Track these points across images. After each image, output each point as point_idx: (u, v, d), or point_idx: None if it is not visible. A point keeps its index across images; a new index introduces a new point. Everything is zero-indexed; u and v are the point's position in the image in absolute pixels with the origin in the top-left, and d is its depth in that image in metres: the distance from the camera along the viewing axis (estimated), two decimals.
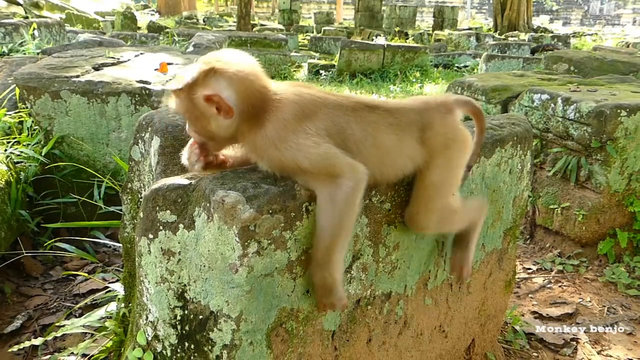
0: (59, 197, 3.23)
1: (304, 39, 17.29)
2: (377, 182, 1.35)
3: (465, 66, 11.44)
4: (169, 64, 3.55)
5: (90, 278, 2.62)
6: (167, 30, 13.88)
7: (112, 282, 2.70)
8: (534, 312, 2.75)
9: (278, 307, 1.29)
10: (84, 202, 3.12)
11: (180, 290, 1.28)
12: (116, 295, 2.33)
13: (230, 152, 1.38)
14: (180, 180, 1.27)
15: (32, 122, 3.34)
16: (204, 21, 22.56)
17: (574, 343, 2.48)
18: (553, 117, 3.35)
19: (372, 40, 13.00)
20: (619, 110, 3.01)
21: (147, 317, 1.36)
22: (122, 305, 2.02)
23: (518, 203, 2.06)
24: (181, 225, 1.24)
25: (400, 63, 9.85)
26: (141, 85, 3.13)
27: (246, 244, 1.16)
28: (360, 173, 1.21)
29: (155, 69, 3.46)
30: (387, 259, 1.55)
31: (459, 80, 4.48)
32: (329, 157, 1.18)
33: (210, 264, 1.21)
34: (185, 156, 1.35)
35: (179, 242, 1.25)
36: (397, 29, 21.43)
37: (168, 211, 1.26)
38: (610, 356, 2.41)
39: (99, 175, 3.10)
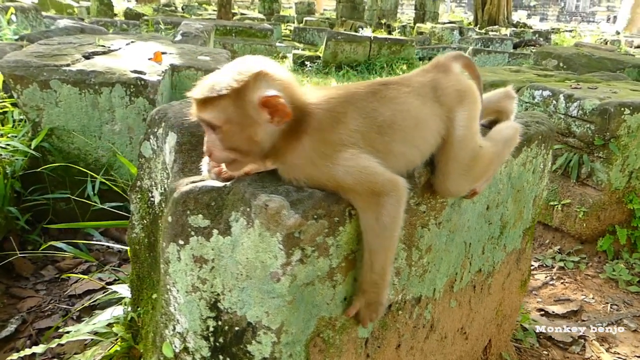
0: (48, 192, 3.09)
1: (286, 29, 17.10)
2: (416, 163, 1.33)
3: None
4: (162, 53, 3.42)
5: (86, 278, 2.50)
6: (146, 17, 13.55)
7: (112, 283, 2.60)
8: (540, 310, 2.73)
9: (317, 317, 1.22)
10: (76, 198, 2.99)
11: (213, 300, 1.19)
12: (119, 298, 2.23)
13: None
14: (214, 182, 1.19)
15: (19, 113, 3.18)
16: (182, 9, 22.10)
17: (582, 341, 2.47)
18: (555, 113, 3.34)
19: (359, 32, 12.92)
20: (622, 109, 3.01)
21: (174, 328, 1.27)
22: (129, 308, 1.92)
23: (537, 202, 2.03)
24: (215, 231, 1.15)
25: (386, 55, 9.80)
26: (136, 75, 3.00)
27: (290, 251, 1.09)
28: (401, 188, 1.17)
29: (150, 59, 3.32)
30: (420, 262, 1.49)
31: None
32: (369, 173, 1.13)
33: (249, 273, 1.13)
34: (206, 168, 1.28)
35: (212, 249, 1.16)
36: (383, 21, 21.35)
37: (200, 215, 1.17)
38: (618, 354, 2.41)
39: (90, 171, 2.96)
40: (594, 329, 2.57)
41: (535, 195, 1.98)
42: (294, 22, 21.01)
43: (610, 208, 3.21)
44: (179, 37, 5.10)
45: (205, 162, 1.29)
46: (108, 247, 3.03)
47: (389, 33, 18.02)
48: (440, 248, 1.55)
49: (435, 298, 1.63)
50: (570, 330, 2.54)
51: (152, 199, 1.74)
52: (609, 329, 2.58)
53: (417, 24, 21.12)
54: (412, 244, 1.43)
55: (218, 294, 1.19)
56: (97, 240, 3.03)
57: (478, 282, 1.83)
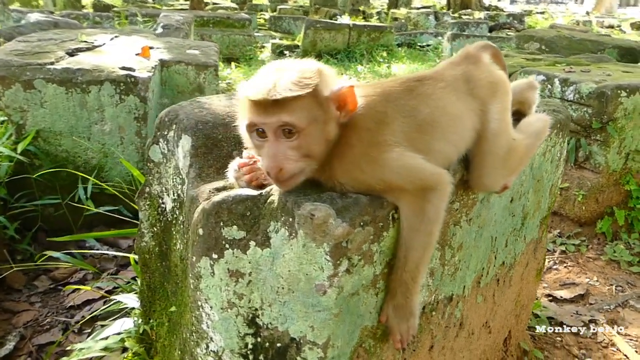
0: (36, 198, 2.95)
1: (260, 18, 16.83)
2: (452, 160, 1.29)
3: (428, 45, 11.42)
4: (150, 48, 3.29)
5: (85, 289, 2.39)
6: (116, 9, 13.16)
7: (111, 292, 2.49)
8: (548, 295, 2.73)
9: (361, 327, 1.16)
10: (67, 203, 2.86)
11: (251, 315, 1.12)
12: (122, 309, 2.14)
13: None
14: (248, 190, 1.11)
15: (1, 114, 3.02)
16: (153, 0, 21.55)
17: (593, 324, 2.47)
18: (550, 98, 3.32)
19: (336, 19, 12.79)
20: (619, 91, 3.01)
21: (207, 347, 1.20)
22: (140, 320, 1.84)
23: (553, 191, 2.00)
24: (252, 243, 1.08)
25: (365, 43, 9.71)
26: (125, 72, 2.87)
27: (338, 262, 1.02)
28: (446, 182, 1.14)
29: (137, 54, 3.19)
30: (452, 261, 1.44)
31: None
32: (416, 170, 1.10)
33: (291, 286, 1.06)
34: (232, 175, 1.20)
35: (249, 262, 1.09)
36: (362, 8, 21.22)
37: (235, 227, 1.09)
38: (630, 335, 2.42)
39: (80, 174, 2.83)
40: (601, 311, 2.58)
41: (552, 184, 1.95)
42: (267, 11, 20.71)
43: (608, 190, 3.22)
44: (160, 30, 4.94)
45: (232, 169, 1.21)
46: (103, 253, 2.92)
47: (365, 19, 17.93)
48: (470, 244, 1.51)
49: (464, 295, 1.59)
50: (579, 314, 2.54)
51: (162, 205, 1.66)
52: (617, 310, 2.60)
53: (392, 10, 21.04)
54: (445, 243, 1.38)
55: (256, 309, 1.12)
56: (90, 247, 2.91)
57: (501, 276, 1.80)
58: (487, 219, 1.55)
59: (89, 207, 2.77)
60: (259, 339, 1.13)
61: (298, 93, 0.99)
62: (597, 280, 2.87)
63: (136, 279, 2.45)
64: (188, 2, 18.18)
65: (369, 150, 1.07)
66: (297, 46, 10.38)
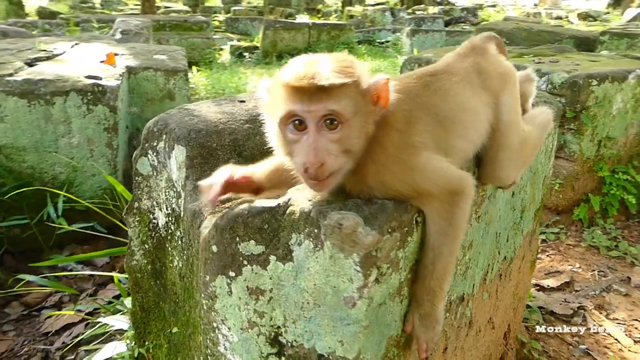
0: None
1: (214, 20, 16.57)
2: (469, 156, 1.28)
3: (387, 41, 11.51)
4: (114, 54, 3.14)
5: (65, 313, 2.25)
6: (62, 15, 12.69)
7: (92, 314, 2.36)
8: (535, 285, 2.76)
9: (387, 337, 1.11)
10: (37, 222, 2.70)
11: (273, 334, 1.05)
12: (107, 332, 2.02)
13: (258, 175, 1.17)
14: (265, 202, 1.04)
15: None
16: (101, 5, 20.91)
17: (582, 311, 2.51)
18: None
19: (295, 19, 12.72)
20: (590, 80, 3.07)
21: None
22: (134, 343, 1.73)
23: (545, 182, 2.01)
24: (273, 257, 1.01)
25: (326, 41, 9.69)
26: (92, 81, 2.73)
27: (368, 272, 0.97)
28: (471, 185, 1.10)
29: (102, 61, 3.04)
30: (463, 260, 1.41)
31: (414, 57, 4.41)
32: (443, 174, 1.06)
33: (317, 300, 1.00)
34: (215, 192, 1.09)
35: (270, 278, 1.02)
36: (320, 6, 21.19)
37: (252, 241, 1.02)
38: (617, 319, 2.47)
39: (47, 190, 2.67)
40: (587, 297, 2.63)
41: (545, 176, 1.96)
42: (221, 13, 20.44)
43: (582, 177, 3.29)
44: (119, 36, 4.75)
45: (218, 181, 1.11)
46: (82, 274, 2.76)
47: (321, 18, 17.95)
48: (479, 242, 1.48)
49: (473, 294, 1.56)
50: (567, 301, 2.58)
51: (154, 221, 1.56)
52: (603, 295, 2.64)
53: (347, 7, 21.14)
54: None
55: (279, 327, 1.05)
56: (63, 267, 2.76)
57: (503, 270, 1.79)
58: (492, 215, 1.53)
59: (61, 226, 2.62)
60: (283, 358, 1.06)
61: (345, 80, 0.93)
62: (579, 267, 2.92)
63: (120, 298, 2.34)
64: (139, 7, 17.75)
65: (400, 153, 1.02)
66: (256, 47, 10.27)
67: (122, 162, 3.00)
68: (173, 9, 17.91)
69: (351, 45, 9.94)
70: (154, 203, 1.54)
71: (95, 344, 2.12)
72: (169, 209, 1.48)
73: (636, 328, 2.39)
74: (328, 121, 0.94)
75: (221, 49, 10.53)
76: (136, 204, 1.59)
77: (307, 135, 0.94)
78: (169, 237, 1.50)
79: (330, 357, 1.02)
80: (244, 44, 10.87)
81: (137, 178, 1.56)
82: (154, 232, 1.57)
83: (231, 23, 14.41)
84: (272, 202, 1.03)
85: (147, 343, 1.68)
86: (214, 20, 16.45)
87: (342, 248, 0.95)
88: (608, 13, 18.92)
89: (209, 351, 1.14)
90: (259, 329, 1.06)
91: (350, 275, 0.97)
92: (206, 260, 1.07)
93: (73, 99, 2.68)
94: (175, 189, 1.43)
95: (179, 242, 1.43)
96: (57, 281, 2.62)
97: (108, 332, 2.08)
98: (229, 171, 1.13)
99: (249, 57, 9.72)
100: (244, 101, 1.65)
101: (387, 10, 15.79)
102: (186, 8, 18.77)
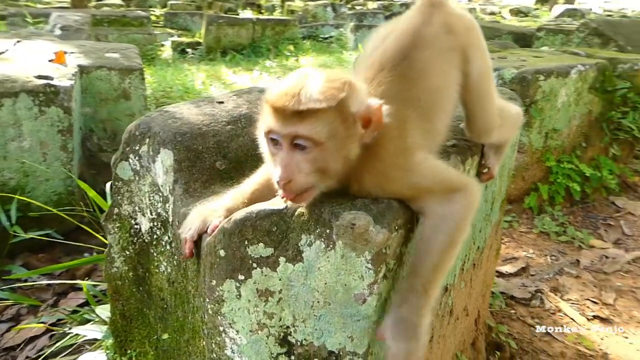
0: None
1: (151, 15, 16.04)
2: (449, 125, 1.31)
3: (331, 37, 11.58)
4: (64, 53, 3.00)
5: (34, 326, 2.14)
6: None
7: (55, 325, 2.26)
8: (495, 272, 2.90)
9: None
10: None
11: (282, 334, 1.07)
12: (74, 344, 1.95)
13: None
14: (272, 205, 1.04)
15: None
16: None
17: (539, 294, 2.66)
18: None
19: (237, 13, 12.54)
20: (538, 75, 3.25)
21: None
22: (115, 353, 1.68)
23: (509, 174, 2.12)
24: (282, 259, 1.02)
25: (271, 37, 9.63)
26: (43, 81, 2.60)
27: (378, 269, 1.00)
28: (471, 184, 1.13)
29: (51, 60, 2.90)
30: None
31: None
32: (441, 172, 1.11)
33: (327, 298, 1.02)
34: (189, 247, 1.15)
35: (280, 279, 1.03)
36: (257, 0, 20.93)
37: (261, 244, 1.03)
38: (571, 299, 2.64)
39: None
40: (543, 280, 2.79)
41: (509, 168, 2.06)
42: (156, 7, 19.83)
43: (532, 168, 3.48)
44: (58, 32, 4.53)
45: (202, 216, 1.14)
46: (34, 282, 2.62)
47: (261, 13, 17.79)
48: None
49: (454, 284, 1.63)
50: (525, 286, 2.73)
51: (136, 226, 1.52)
52: (557, 279, 2.82)
53: (287, 2, 21.04)
54: None
55: (288, 327, 1.06)
56: (17, 277, 2.62)
57: (476, 260, 1.88)
58: None
59: (17, 234, 2.49)
60: (292, 357, 1.07)
61: (321, 105, 0.93)
62: (533, 253, 3.09)
63: (86, 307, 2.25)
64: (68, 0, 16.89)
65: (397, 160, 1.04)
66: (199, 43, 10.05)
67: (77, 165, 2.88)
68: (105, 3, 17.13)
69: (296, 41, 9.93)
70: (136, 208, 1.50)
71: (63, 356, 2.04)
72: (153, 213, 1.44)
73: (588, 307, 2.56)
74: (301, 143, 0.95)
75: (162, 45, 10.24)
76: (116, 210, 1.54)
77: (281, 153, 0.97)
78: (154, 243, 1.47)
79: (341, 353, 1.05)
80: (185, 39, 10.61)
81: (116, 183, 1.51)
82: (135, 238, 1.53)
83: (170, 18, 14.00)
84: (279, 205, 1.04)
85: (129, 351, 1.64)
86: (151, 15, 15.94)
87: (355, 247, 0.98)
88: (537, 9, 19.83)
89: (215, 355, 1.14)
90: (269, 330, 1.06)
91: (362, 272, 0.99)
92: (212, 265, 1.07)
93: (23, 100, 2.55)
94: (161, 194, 1.40)
95: (167, 247, 1.41)
96: (13, 292, 2.49)
97: (77, 343, 2.01)
98: (204, 221, 1.14)
99: (192, 54, 9.50)
100: (222, 102, 1.64)
101: (328, 6, 15.87)
102: (119, 1, 18.01)
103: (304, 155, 0.96)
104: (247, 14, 12.30)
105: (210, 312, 1.11)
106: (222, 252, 1.04)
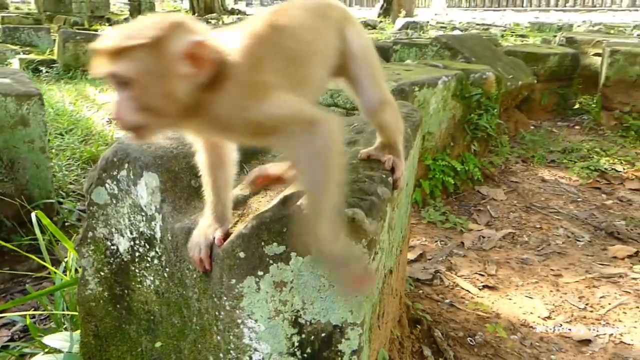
0: None
1: None
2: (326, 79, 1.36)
3: None
4: None
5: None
6: None
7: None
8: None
9: (373, 301, 1.41)
10: None
11: (294, 317, 1.28)
12: None
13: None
14: (281, 208, 1.25)
15: None
16: None
17: (439, 274, 3.12)
18: None
19: (100, 31, 11.89)
20: (414, 87, 3.76)
21: (250, 358, 1.30)
22: None
23: (414, 172, 2.51)
24: (293, 254, 1.24)
25: None
26: None
27: (372, 252, 1.26)
28: (334, 119, 1.13)
29: None
30: (391, 239, 1.78)
31: None
32: (302, 107, 1.13)
33: (331, 282, 1.26)
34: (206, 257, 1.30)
35: (292, 271, 1.24)
36: (104, 13, 19.89)
37: (275, 243, 1.23)
38: (463, 275, 3.14)
39: None
40: (439, 262, 3.26)
41: (413, 165, 2.45)
42: None
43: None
44: None
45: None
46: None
47: (112, 26, 16.98)
48: (397, 224, 1.87)
49: (392, 267, 1.95)
50: (426, 269, 3.17)
51: (112, 247, 1.60)
52: (449, 259, 3.31)
53: (138, 16, 20.31)
54: (390, 226, 1.71)
55: (298, 311, 1.28)
56: None
57: (403, 246, 2.22)
58: (400, 202, 1.94)
59: None
60: (303, 335, 1.29)
61: (130, 43, 0.98)
62: (425, 240, 3.58)
63: (18, 341, 2.18)
64: None
65: (250, 91, 1.09)
66: (53, 61, 9.43)
67: None
68: None
69: None
70: (113, 230, 1.59)
71: None
72: (135, 232, 1.55)
73: (477, 279, 3.07)
74: (119, 81, 1.01)
75: (10, 64, 9.40)
76: (90, 234, 1.61)
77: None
78: (136, 260, 1.57)
79: (343, 325, 1.29)
80: (36, 57, 9.86)
81: (91, 208, 1.58)
82: (112, 259, 1.61)
83: (10, 33, 12.82)
84: (288, 209, 1.25)
85: None
86: None
87: (354, 237, 1.23)
88: (382, 22, 21.45)
89: (232, 345, 1.31)
90: (283, 315, 1.27)
91: (359, 256, 1.25)
92: (231, 266, 1.24)
93: None
94: (144, 213, 1.52)
95: (154, 261, 1.52)
96: None
97: None
98: (206, 238, 1.30)
99: (47, 72, 8.88)
100: None
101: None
102: None
103: (126, 93, 1.02)
104: (106, 30, 11.70)
105: (227, 308, 1.28)
106: (242, 254, 1.23)
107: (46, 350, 1.95)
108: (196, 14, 23.18)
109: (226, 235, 1.30)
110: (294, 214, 1.24)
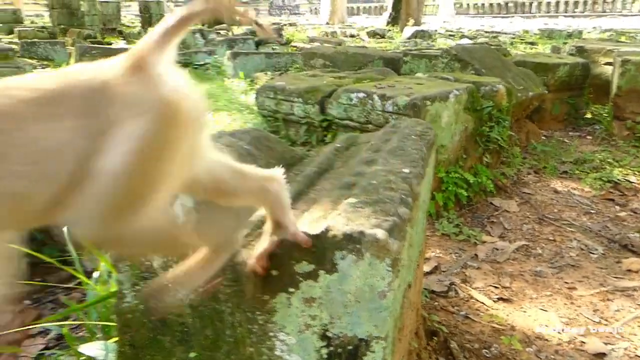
0: None
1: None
2: None
3: (207, 63, 11.72)
4: None
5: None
6: None
7: None
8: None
9: (395, 315, 1.50)
10: None
11: (322, 331, 1.36)
12: None
13: None
14: (309, 229, 1.34)
15: None
16: None
17: (453, 286, 3.19)
18: (373, 111, 4.03)
19: (114, 43, 12.14)
20: (425, 101, 3.85)
21: None
22: None
23: (429, 188, 2.59)
24: (322, 271, 1.33)
25: None
26: None
27: (395, 270, 1.34)
28: None
29: None
30: (409, 256, 1.86)
31: (268, 85, 4.85)
32: None
33: (357, 298, 1.34)
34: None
35: (320, 288, 1.33)
36: (115, 26, 20.21)
37: (305, 262, 1.32)
38: (478, 287, 3.20)
39: None
40: (454, 274, 3.33)
41: (428, 181, 2.54)
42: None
43: None
44: None
45: None
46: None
47: (124, 39, 17.34)
48: (414, 242, 1.96)
49: (411, 282, 2.03)
50: (441, 281, 3.24)
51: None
52: (463, 272, 3.38)
53: (148, 28, 20.66)
54: (410, 243, 1.79)
55: (326, 325, 1.36)
56: None
57: (419, 260, 2.30)
58: (418, 220, 2.02)
59: None
60: (331, 348, 1.38)
61: None
62: (440, 252, 3.65)
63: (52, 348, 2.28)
64: None
65: None
66: None
67: None
68: None
69: None
70: None
71: None
72: None
73: (492, 291, 3.13)
74: None
75: None
76: None
77: None
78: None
79: (369, 339, 1.37)
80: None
81: None
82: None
83: (27, 47, 13.16)
84: (316, 229, 1.34)
85: None
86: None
87: (378, 256, 1.31)
88: (390, 30, 21.57)
89: (265, 357, 1.40)
90: (313, 329, 1.36)
91: (383, 274, 1.33)
92: (264, 284, 1.33)
93: None
94: None
95: None
96: None
97: None
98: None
99: None
100: None
101: (196, 32, 15.96)
102: None
103: None
104: (120, 43, 11.97)
105: (260, 322, 1.37)
106: (274, 272, 1.32)
107: (81, 358, 2.05)
108: (206, 25, 23.46)
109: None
110: (322, 235, 1.33)
